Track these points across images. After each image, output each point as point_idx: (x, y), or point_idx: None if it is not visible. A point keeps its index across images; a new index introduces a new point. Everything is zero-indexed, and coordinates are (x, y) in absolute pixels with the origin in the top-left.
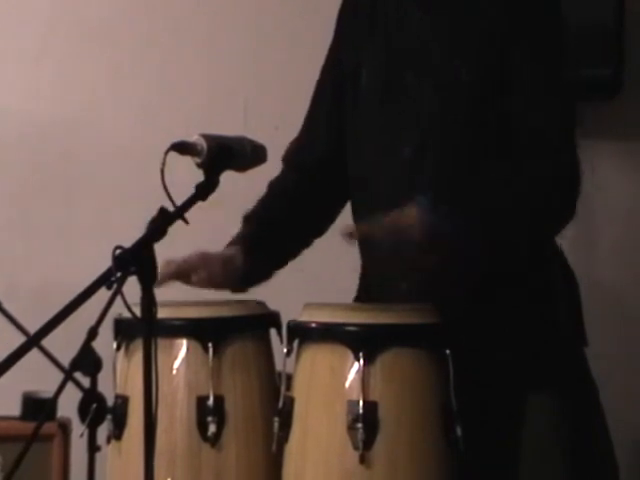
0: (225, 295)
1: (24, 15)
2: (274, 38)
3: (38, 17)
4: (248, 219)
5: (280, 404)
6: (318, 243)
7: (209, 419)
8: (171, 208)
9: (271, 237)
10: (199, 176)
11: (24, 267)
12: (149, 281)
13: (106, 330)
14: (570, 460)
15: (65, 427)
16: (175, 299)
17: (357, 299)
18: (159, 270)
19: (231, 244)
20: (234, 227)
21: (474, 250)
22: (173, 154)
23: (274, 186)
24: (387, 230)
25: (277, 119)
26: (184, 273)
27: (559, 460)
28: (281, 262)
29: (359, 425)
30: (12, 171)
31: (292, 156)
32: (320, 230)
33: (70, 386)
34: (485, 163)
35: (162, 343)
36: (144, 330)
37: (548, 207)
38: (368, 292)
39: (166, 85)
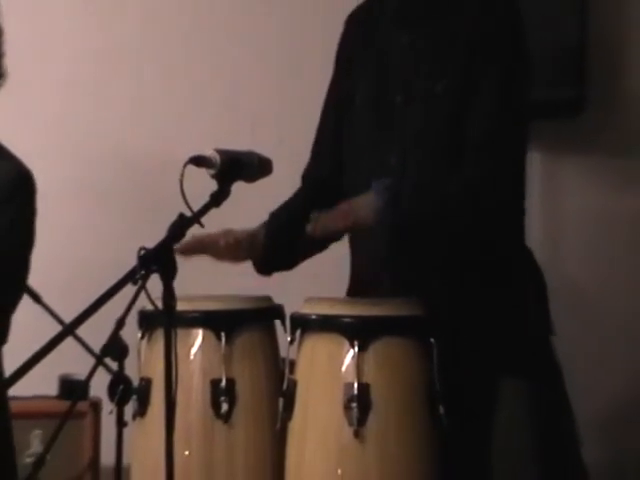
0: (236, 290)
1: (59, 44)
2: (279, 65)
3: (71, 46)
4: (274, 215)
5: (284, 386)
6: None
7: (221, 399)
8: (189, 214)
9: (294, 228)
10: (213, 185)
11: (59, 265)
12: (169, 278)
13: (132, 321)
14: (538, 436)
15: (96, 405)
16: (192, 294)
17: (349, 294)
18: (187, 242)
19: (263, 225)
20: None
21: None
22: (190, 166)
23: (295, 196)
24: (339, 214)
25: (281, 135)
26: (211, 243)
27: (529, 436)
28: (304, 253)
29: (354, 404)
30: (49, 179)
31: (307, 175)
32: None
33: (100, 369)
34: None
35: (180, 332)
36: (165, 321)
37: (467, 208)
38: (357, 288)
39: (183, 106)
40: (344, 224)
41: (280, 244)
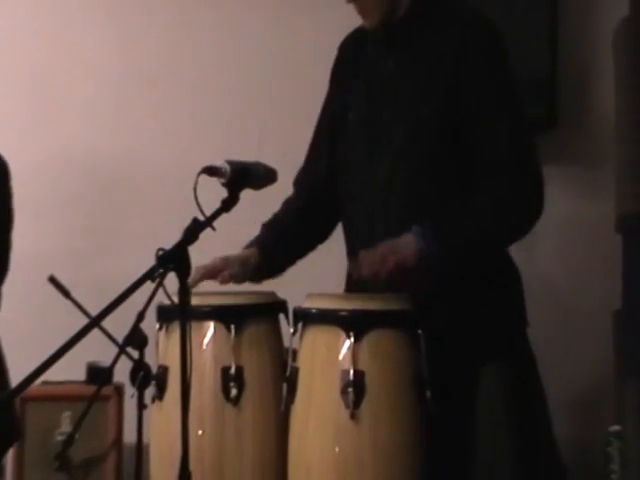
0: (244, 287)
1: (83, 66)
2: (282, 86)
3: (96, 67)
4: (266, 226)
5: (287, 373)
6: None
7: (231, 384)
8: (201, 218)
9: (284, 242)
10: (223, 193)
11: (87, 265)
12: (184, 276)
13: (151, 314)
14: (515, 417)
15: (119, 390)
16: (204, 290)
17: (346, 290)
18: (191, 276)
19: (249, 245)
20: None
21: (456, 266)
22: (203, 175)
23: (287, 203)
24: (382, 256)
25: (285, 148)
26: (210, 275)
27: (507, 417)
28: (291, 261)
29: (350, 389)
30: (80, 190)
31: (300, 181)
32: (323, 237)
33: (123, 357)
34: (444, 181)
35: (194, 325)
36: (180, 314)
37: (513, 219)
38: (354, 284)
39: (196, 122)
40: (387, 268)
41: (274, 261)
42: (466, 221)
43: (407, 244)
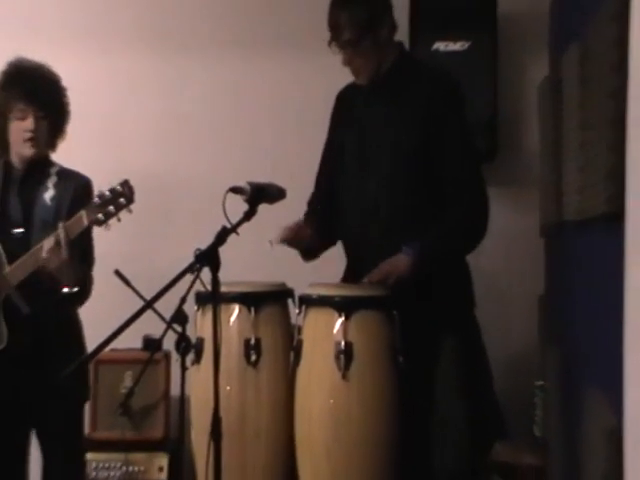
0: (261, 278)
1: (138, 106)
2: (292, 123)
3: (149, 105)
4: (316, 218)
5: (294, 343)
6: None
7: (251, 352)
8: (228, 226)
9: (325, 231)
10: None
11: (138, 261)
12: (215, 270)
13: (190, 299)
14: (466, 375)
15: (167, 356)
16: (231, 280)
17: (343, 280)
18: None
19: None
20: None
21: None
22: (229, 193)
23: (314, 209)
24: (383, 273)
25: (292, 171)
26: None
27: (460, 376)
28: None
29: (341, 356)
30: (136, 203)
31: (310, 202)
32: (333, 241)
33: (170, 331)
34: (418, 197)
35: (223, 307)
36: (213, 299)
37: (472, 234)
38: (348, 276)
39: (224, 150)
40: (391, 281)
41: (323, 234)
42: (440, 241)
43: (401, 262)
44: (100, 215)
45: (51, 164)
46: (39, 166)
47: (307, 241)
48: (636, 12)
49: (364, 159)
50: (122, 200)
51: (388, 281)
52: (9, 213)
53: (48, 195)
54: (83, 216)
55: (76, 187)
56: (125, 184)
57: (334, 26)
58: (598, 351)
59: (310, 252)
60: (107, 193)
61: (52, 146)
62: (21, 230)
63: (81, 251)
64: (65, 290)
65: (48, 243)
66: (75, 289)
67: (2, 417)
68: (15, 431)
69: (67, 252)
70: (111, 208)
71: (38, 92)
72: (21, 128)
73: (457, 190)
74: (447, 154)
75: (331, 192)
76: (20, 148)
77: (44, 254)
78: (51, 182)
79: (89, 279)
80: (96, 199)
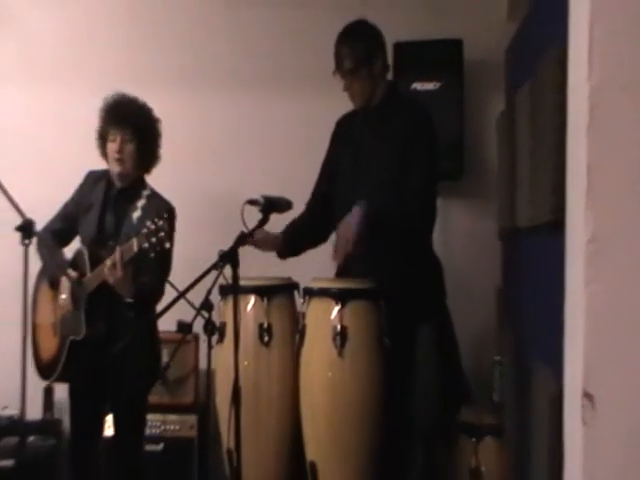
0: (272, 274)
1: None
2: (299, 148)
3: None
4: (288, 227)
5: (299, 327)
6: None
7: (264, 334)
8: (246, 231)
9: (299, 236)
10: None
11: (174, 260)
12: (235, 267)
13: (215, 290)
14: (439, 354)
15: (197, 337)
16: (248, 275)
17: (337, 273)
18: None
19: (281, 232)
20: None
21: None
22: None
23: (301, 215)
24: (340, 235)
25: (298, 188)
26: (262, 240)
27: (435, 355)
28: (303, 250)
29: (338, 337)
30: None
31: (309, 203)
32: (324, 238)
33: (199, 317)
34: (394, 198)
35: (241, 297)
36: (233, 290)
37: (416, 219)
38: (341, 272)
39: (245, 171)
40: (349, 234)
41: (291, 243)
42: (384, 212)
43: (353, 214)
44: (146, 244)
45: (144, 186)
46: (133, 187)
47: (270, 246)
48: (573, 60)
49: (358, 170)
50: (162, 234)
51: (348, 246)
52: (105, 226)
53: (136, 215)
54: (134, 243)
55: (158, 211)
56: (166, 220)
57: (338, 58)
58: (543, 333)
59: (281, 253)
60: (152, 226)
61: (144, 169)
62: (112, 243)
63: (152, 266)
64: (128, 301)
65: (108, 262)
66: (129, 300)
67: (83, 392)
68: (94, 404)
69: (121, 271)
70: (154, 240)
71: (126, 119)
72: (112, 149)
73: (411, 196)
74: (413, 169)
75: (326, 197)
76: (111, 166)
77: (105, 270)
78: (140, 203)
79: (153, 287)
80: (145, 230)
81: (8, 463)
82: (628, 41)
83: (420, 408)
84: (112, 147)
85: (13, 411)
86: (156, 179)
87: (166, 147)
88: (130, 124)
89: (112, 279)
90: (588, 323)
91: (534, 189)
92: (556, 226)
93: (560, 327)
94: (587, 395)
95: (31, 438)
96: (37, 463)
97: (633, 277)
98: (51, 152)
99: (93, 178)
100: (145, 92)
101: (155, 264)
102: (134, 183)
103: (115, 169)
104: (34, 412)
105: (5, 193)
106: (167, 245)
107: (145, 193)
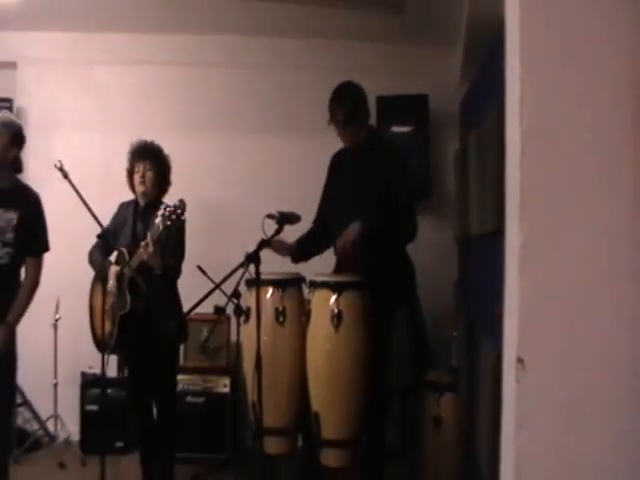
0: (285, 270)
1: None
2: (305, 176)
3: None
4: (301, 238)
5: (306, 311)
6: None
7: (279, 316)
8: (265, 238)
9: (308, 247)
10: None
11: (211, 259)
12: (258, 265)
13: (242, 283)
14: (412, 332)
15: (228, 317)
16: (267, 271)
17: (334, 270)
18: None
19: (294, 242)
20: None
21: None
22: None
23: (310, 231)
24: (343, 238)
25: (305, 205)
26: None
27: (408, 333)
28: (311, 256)
29: (335, 318)
30: (218, 225)
31: (315, 221)
32: (326, 247)
33: (230, 302)
34: (381, 217)
35: (262, 288)
36: (256, 283)
37: (404, 233)
38: (337, 269)
39: (265, 193)
40: (349, 240)
41: (302, 252)
42: (377, 222)
43: (352, 229)
44: (168, 222)
45: (161, 202)
46: (153, 203)
47: (286, 253)
48: (509, 111)
49: (348, 195)
50: (179, 211)
51: (346, 246)
52: (136, 231)
53: (157, 220)
54: (159, 223)
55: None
56: (181, 201)
57: (331, 112)
58: (487, 314)
59: (294, 259)
60: (170, 209)
61: (162, 191)
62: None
63: (172, 249)
64: (157, 272)
65: (142, 243)
66: (158, 272)
67: (132, 358)
68: (142, 367)
69: (152, 247)
70: (173, 217)
71: (146, 154)
72: (137, 176)
73: (399, 214)
74: (395, 194)
75: (325, 218)
76: (137, 188)
77: (141, 250)
78: (159, 213)
79: (175, 267)
80: (164, 211)
81: (93, 408)
82: (550, 96)
83: (396, 371)
84: (137, 175)
85: (96, 370)
86: (200, 200)
87: (207, 176)
88: (149, 157)
89: (146, 255)
90: (521, 305)
91: (481, 206)
92: (497, 234)
93: (500, 310)
94: (519, 360)
95: (109, 390)
96: (114, 408)
97: (553, 271)
98: (118, 180)
99: (124, 205)
100: (188, 137)
101: (174, 249)
102: (154, 201)
103: (139, 189)
104: (111, 371)
105: (88, 208)
106: (183, 218)
107: (162, 206)
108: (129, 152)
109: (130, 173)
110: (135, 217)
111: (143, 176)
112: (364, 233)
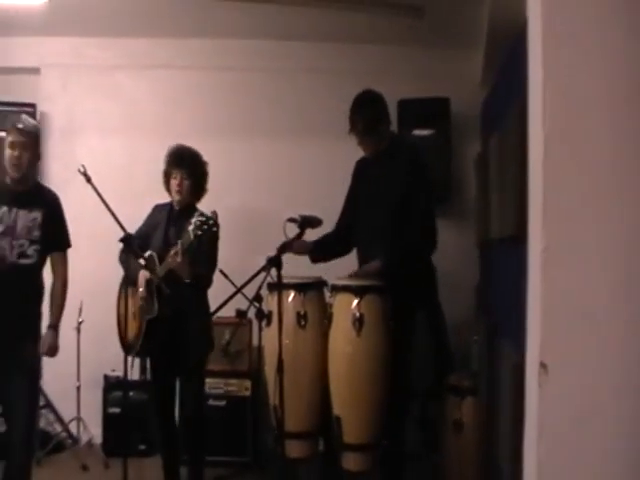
0: (307, 274)
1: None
2: (330, 182)
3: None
4: (319, 238)
5: (327, 315)
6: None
7: (301, 320)
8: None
9: (328, 248)
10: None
11: (234, 263)
12: (279, 269)
13: (264, 286)
14: (434, 332)
15: (250, 321)
16: (289, 275)
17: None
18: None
19: (313, 242)
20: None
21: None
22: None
23: (331, 233)
24: (364, 270)
25: (326, 209)
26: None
27: (429, 333)
28: (330, 258)
29: (356, 322)
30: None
31: (338, 224)
32: (346, 251)
33: (252, 306)
34: (402, 222)
35: (284, 292)
36: (278, 287)
37: (424, 249)
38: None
39: (289, 201)
40: (370, 274)
41: (321, 252)
42: (399, 252)
43: (372, 265)
44: (199, 232)
45: (195, 209)
46: (187, 209)
47: (304, 253)
48: (532, 114)
49: (371, 200)
50: (211, 221)
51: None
52: (169, 235)
53: (190, 227)
54: (190, 233)
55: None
56: (213, 212)
57: (351, 122)
58: (509, 318)
59: (313, 260)
60: (202, 218)
61: (197, 198)
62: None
63: (203, 258)
64: (186, 281)
65: (172, 251)
66: (187, 280)
67: (157, 362)
68: (167, 371)
69: (181, 258)
70: (205, 227)
71: (184, 163)
72: (174, 184)
73: (419, 220)
74: (416, 200)
75: (348, 223)
76: (173, 196)
77: (169, 259)
78: (193, 220)
79: (206, 276)
80: (196, 220)
81: (116, 410)
82: (573, 100)
83: (419, 374)
84: (174, 183)
85: (119, 373)
86: (220, 204)
87: (226, 180)
88: (186, 167)
89: (174, 264)
90: (543, 310)
91: (502, 210)
92: (519, 238)
93: (523, 314)
94: (542, 364)
95: (131, 393)
96: (136, 411)
97: (575, 276)
98: (140, 184)
99: (159, 208)
100: (208, 140)
101: (206, 259)
102: (188, 207)
103: (176, 197)
104: (134, 374)
105: (111, 212)
106: (214, 229)
107: (196, 213)
108: (167, 156)
109: (167, 177)
110: (168, 221)
111: (180, 184)
112: (383, 271)
